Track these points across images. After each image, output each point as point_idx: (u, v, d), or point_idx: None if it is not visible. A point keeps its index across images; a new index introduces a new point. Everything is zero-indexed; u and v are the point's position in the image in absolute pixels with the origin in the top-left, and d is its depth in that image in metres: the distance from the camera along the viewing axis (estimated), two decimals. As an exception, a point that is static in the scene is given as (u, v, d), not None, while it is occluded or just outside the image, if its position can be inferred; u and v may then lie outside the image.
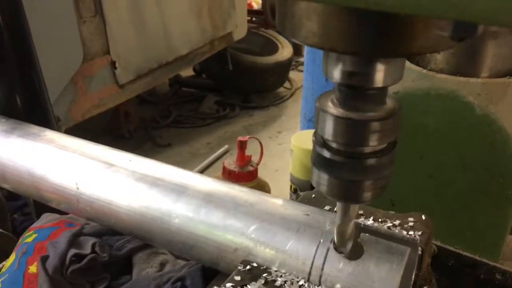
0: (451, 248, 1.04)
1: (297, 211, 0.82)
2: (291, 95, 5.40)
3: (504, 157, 1.13)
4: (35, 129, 1.08)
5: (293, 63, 5.70)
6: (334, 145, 0.65)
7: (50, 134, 1.06)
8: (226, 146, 4.24)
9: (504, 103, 1.10)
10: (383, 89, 0.61)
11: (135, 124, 4.46)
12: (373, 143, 0.63)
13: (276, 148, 4.27)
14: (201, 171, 3.83)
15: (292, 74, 5.73)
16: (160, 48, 3.76)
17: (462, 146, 1.17)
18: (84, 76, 3.15)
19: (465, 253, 1.03)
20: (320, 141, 0.67)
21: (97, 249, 0.99)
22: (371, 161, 0.64)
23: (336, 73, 0.60)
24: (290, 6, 0.54)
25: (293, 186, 1.65)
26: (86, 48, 3.10)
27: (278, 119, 4.94)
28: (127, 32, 3.41)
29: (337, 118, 0.62)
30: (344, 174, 0.65)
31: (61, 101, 2.95)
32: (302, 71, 5.87)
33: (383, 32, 0.48)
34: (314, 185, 0.70)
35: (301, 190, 1.61)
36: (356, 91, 0.61)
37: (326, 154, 0.66)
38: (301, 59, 6.22)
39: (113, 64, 3.35)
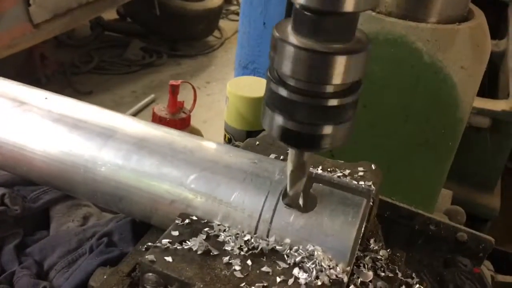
0: (387, 199, 1.01)
1: (243, 159, 0.73)
2: (221, 45, 5.23)
3: (448, 107, 1.11)
4: None
5: (224, 11, 5.50)
6: (292, 82, 0.57)
7: None
8: (152, 95, 4.05)
9: (452, 51, 1.07)
10: (354, 16, 0.53)
11: (52, 69, 4.12)
12: (337, 80, 0.55)
13: (205, 99, 4.14)
14: (126, 121, 3.64)
15: (222, 23, 5.54)
16: (80, -14, 3.45)
17: (407, 95, 1.13)
18: (-7, 13, 2.83)
19: (401, 204, 1.02)
20: (275, 78, 0.58)
21: (6, 201, 0.86)
22: (333, 101, 0.57)
23: (301, -6, 0.51)
24: None
25: (227, 136, 1.57)
26: (-5, -18, 2.77)
27: (207, 69, 4.79)
28: (43, -35, 3.08)
29: (298, 49, 0.53)
30: (302, 117, 0.57)
31: (-35, 41, 2.64)
32: (232, 20, 5.75)
33: None
34: (265, 128, 0.62)
35: (236, 140, 1.53)
36: (322, 17, 0.52)
37: (283, 92, 0.57)
38: (232, 8, 6.04)
39: (26, 0, 3.03)
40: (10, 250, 0.84)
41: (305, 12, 0.52)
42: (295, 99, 0.56)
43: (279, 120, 0.58)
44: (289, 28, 0.55)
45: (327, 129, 0.57)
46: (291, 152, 0.64)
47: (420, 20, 1.08)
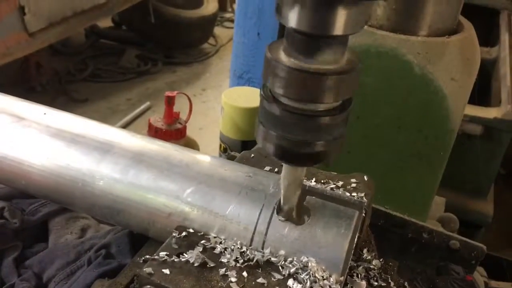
0: (381, 208, 1.03)
1: (238, 172, 0.75)
2: (216, 52, 5.25)
3: (439, 118, 1.14)
4: None
5: (218, 18, 5.53)
6: (284, 100, 0.59)
7: None
8: (147, 103, 4.06)
9: (442, 63, 1.09)
10: (344, 38, 0.55)
11: (47, 77, 4.12)
12: (328, 99, 0.57)
13: (200, 106, 4.15)
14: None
15: (217, 30, 5.56)
16: (75, -6, 3.46)
17: (399, 107, 1.15)
18: (-13, 22, 2.83)
19: (394, 213, 1.03)
20: (269, 96, 0.60)
21: (6, 214, 0.87)
22: (325, 119, 0.59)
23: (292, 17, 0.53)
24: None
25: (223, 146, 1.58)
26: (-11, -10, 2.77)
27: (203, 76, 4.80)
28: (37, -26, 3.09)
29: (290, 69, 0.55)
30: (294, 134, 0.59)
31: (-40, 49, 2.64)
32: (227, 27, 5.77)
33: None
34: (259, 144, 0.63)
35: (231, 150, 1.55)
36: (313, 39, 0.54)
37: (276, 110, 0.59)
38: (227, 15, 6.05)
39: (21, 9, 3.03)
40: (9, 262, 0.85)
41: (297, 35, 0.54)
42: (287, 117, 0.58)
43: (272, 137, 0.60)
44: (282, 49, 0.57)
45: (320, 146, 0.59)
46: (285, 166, 0.65)
47: (410, 33, 1.11)
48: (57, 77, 4.26)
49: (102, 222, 0.96)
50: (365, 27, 1.13)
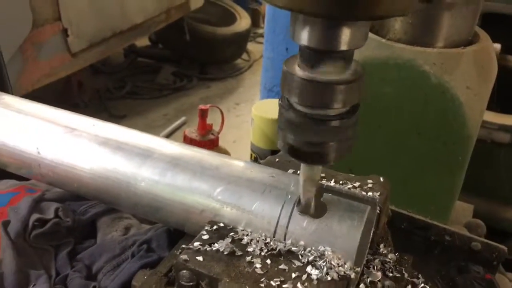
0: (404, 211, 1.08)
1: (263, 173, 0.84)
2: (249, 67, 5.37)
3: (456, 124, 1.19)
4: (-8, 93, 1.04)
5: (251, 34, 5.66)
6: (299, 107, 0.67)
7: (7, 98, 1.03)
8: (183, 118, 4.19)
9: (457, 73, 1.15)
10: (348, 52, 0.63)
11: (89, 95, 4.33)
12: (337, 105, 0.65)
13: (234, 120, 4.26)
14: (158, 143, 3.77)
15: (250, 46, 5.69)
16: (114, 16, 3.64)
17: (418, 114, 1.21)
18: (33, 44, 3.00)
19: (417, 216, 1.08)
20: (286, 104, 0.69)
21: (60, 214, 0.99)
22: (335, 123, 0.67)
23: (303, 36, 0.62)
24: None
25: (253, 155, 1.68)
26: (36, 14, 2.95)
27: (236, 91, 4.92)
28: (79, -2, 3.28)
29: (302, 80, 0.64)
30: (309, 136, 0.68)
31: (9, 70, 2.82)
32: (260, 42, 5.90)
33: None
34: (280, 148, 0.72)
35: (261, 159, 1.64)
36: (321, 54, 0.63)
37: (292, 116, 0.68)
38: (259, 31, 6.17)
39: (64, 31, 3.21)
40: (63, 256, 0.96)
41: (308, 50, 0.63)
42: (302, 122, 0.66)
43: (290, 140, 0.69)
44: (296, 63, 0.66)
45: (331, 146, 0.68)
46: (302, 166, 0.74)
47: (427, 45, 1.17)
48: (97, 94, 4.45)
49: (143, 221, 1.07)
50: (383, 40, 1.22)
